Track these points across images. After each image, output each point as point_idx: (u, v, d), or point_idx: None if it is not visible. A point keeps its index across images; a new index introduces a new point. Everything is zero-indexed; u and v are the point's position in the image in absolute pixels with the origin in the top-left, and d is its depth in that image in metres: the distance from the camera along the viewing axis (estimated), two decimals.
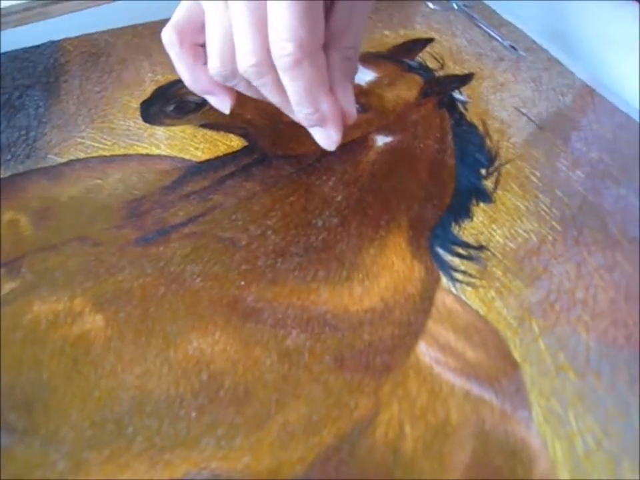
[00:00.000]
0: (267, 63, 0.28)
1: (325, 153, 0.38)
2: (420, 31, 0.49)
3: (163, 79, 0.43)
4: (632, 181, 0.37)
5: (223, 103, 0.32)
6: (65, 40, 0.46)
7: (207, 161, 0.38)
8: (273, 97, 0.30)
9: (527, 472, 0.26)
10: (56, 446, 0.26)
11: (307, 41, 0.27)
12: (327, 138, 0.31)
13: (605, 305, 0.31)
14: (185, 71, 0.31)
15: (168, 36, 0.30)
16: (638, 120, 0.40)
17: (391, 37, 0.48)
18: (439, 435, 0.27)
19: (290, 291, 0.32)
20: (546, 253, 0.33)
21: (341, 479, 0.25)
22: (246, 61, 0.28)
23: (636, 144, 0.39)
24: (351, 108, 0.31)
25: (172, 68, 0.44)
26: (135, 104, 0.41)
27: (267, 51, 0.28)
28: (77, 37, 0.46)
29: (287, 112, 0.31)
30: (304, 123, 0.31)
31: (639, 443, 0.26)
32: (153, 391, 0.28)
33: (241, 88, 0.31)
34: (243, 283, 0.32)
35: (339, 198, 0.36)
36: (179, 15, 0.31)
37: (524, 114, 0.40)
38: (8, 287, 0.31)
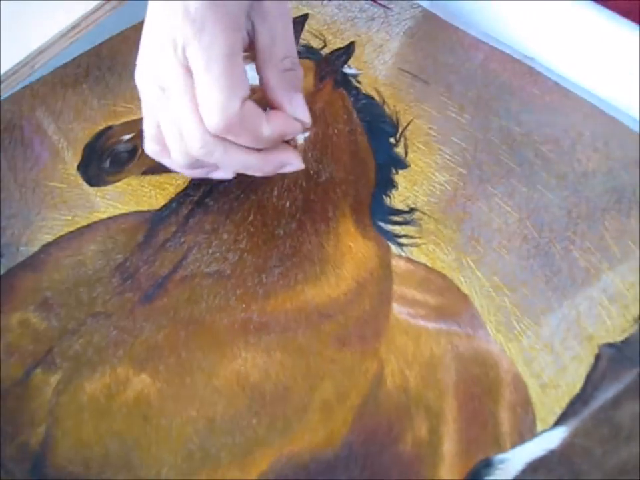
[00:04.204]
0: (213, 142, 0.34)
1: None
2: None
3: (84, 135, 0.47)
4: (508, 109, 0.47)
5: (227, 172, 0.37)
6: None
7: (165, 206, 0.44)
8: (231, 166, 0.36)
9: (495, 372, 0.38)
10: None
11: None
12: (295, 168, 0.36)
13: (514, 226, 0.42)
14: (185, 172, 0.38)
15: (152, 149, 0.37)
16: (501, 48, 0.49)
17: None
18: (430, 368, 0.39)
19: (282, 299, 0.41)
20: (461, 198, 0.44)
21: (376, 426, 0.37)
22: (194, 146, 0.34)
23: (501, 73, 0.48)
24: (304, 116, 0.35)
25: (85, 118, 0.48)
26: (72, 170, 0.46)
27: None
28: None
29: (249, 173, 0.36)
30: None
31: (564, 323, 0.38)
32: (214, 416, 0.37)
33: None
34: (243, 305, 0.41)
35: (287, 204, 0.44)
36: (150, 129, 0.36)
37: (407, 72, 0.49)
38: (54, 379, 0.39)
